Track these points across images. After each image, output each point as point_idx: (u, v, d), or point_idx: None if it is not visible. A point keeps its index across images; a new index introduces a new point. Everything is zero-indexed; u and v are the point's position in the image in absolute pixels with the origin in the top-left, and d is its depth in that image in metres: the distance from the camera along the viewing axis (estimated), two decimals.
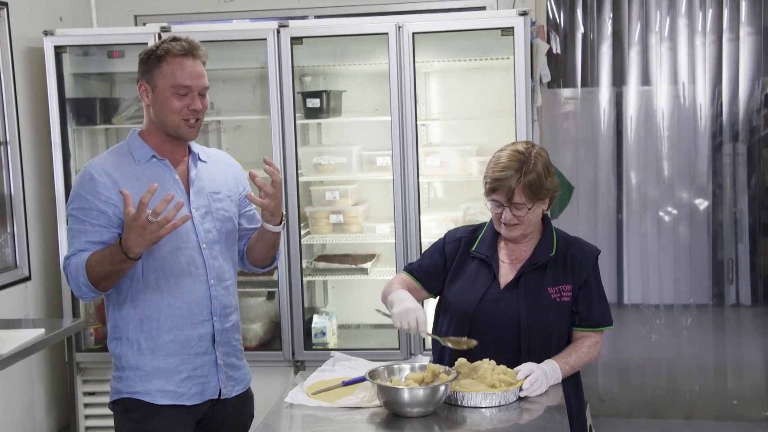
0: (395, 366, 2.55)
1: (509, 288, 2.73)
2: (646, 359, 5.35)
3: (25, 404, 4.60)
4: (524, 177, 2.65)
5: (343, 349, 4.49)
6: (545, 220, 2.83)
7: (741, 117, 5.25)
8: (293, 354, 4.61)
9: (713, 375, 5.29)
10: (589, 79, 5.40)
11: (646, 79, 5.35)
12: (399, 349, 4.51)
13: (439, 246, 2.91)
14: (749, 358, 5.28)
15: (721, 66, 5.23)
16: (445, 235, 2.94)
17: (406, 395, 2.34)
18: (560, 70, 5.41)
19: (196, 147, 2.83)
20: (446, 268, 2.85)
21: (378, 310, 2.74)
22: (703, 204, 5.34)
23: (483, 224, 2.89)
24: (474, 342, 2.60)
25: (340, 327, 4.91)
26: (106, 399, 4.58)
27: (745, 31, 5.20)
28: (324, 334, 4.66)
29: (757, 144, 5.27)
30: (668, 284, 5.38)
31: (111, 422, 4.64)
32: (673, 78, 5.30)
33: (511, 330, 2.69)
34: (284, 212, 2.80)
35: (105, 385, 4.72)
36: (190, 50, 2.67)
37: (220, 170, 2.87)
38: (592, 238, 5.35)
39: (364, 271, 4.73)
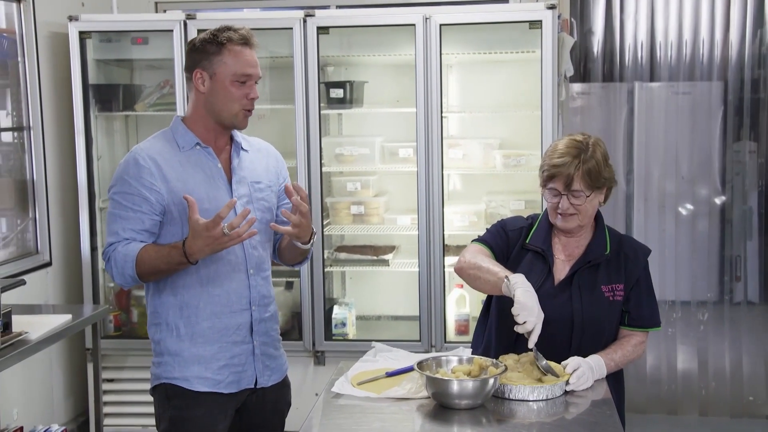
0: (443, 358, 2.54)
1: (563, 285, 2.71)
2: (663, 355, 5.37)
3: (44, 391, 4.59)
4: (583, 164, 2.63)
5: (362, 340, 4.52)
6: (598, 216, 2.81)
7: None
8: (314, 344, 4.61)
9: (729, 372, 5.30)
10: (603, 74, 5.41)
11: (659, 75, 5.36)
12: (420, 341, 4.51)
13: (502, 227, 2.85)
14: (764, 355, 5.30)
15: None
16: (505, 221, 2.88)
17: (455, 387, 2.34)
18: (574, 65, 5.42)
19: (238, 135, 2.81)
20: (509, 252, 2.81)
21: (506, 278, 2.55)
22: (716, 199, 5.36)
23: (537, 215, 2.86)
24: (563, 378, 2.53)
25: (359, 318, 4.91)
26: (126, 386, 4.71)
27: None
28: (344, 324, 4.66)
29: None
30: (684, 281, 5.39)
31: (130, 409, 4.74)
32: (689, 74, 5.31)
33: (564, 327, 2.67)
34: (313, 229, 2.80)
35: (124, 372, 4.73)
36: (249, 39, 2.68)
37: (261, 160, 2.87)
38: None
39: (386, 263, 4.74)
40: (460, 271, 2.78)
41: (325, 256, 4.66)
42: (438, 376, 2.43)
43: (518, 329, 2.48)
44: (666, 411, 5.31)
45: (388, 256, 4.76)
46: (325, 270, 4.70)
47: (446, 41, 4.45)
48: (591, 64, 5.41)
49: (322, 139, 4.60)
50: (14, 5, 4.46)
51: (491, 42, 4.66)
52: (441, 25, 4.35)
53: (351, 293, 5.14)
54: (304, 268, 4.55)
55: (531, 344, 2.47)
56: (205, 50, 2.67)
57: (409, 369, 2.58)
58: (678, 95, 5.36)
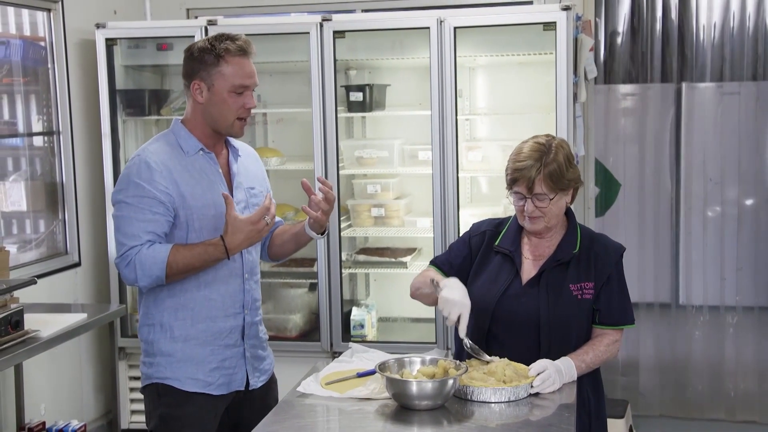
0: (406, 359, 2.55)
1: (531, 284, 2.70)
2: (696, 359, 5.29)
3: (74, 386, 4.74)
4: (545, 167, 2.62)
5: (381, 342, 4.54)
6: (570, 215, 2.79)
7: None
8: (331, 345, 4.65)
9: None
10: (648, 75, 5.33)
11: (706, 75, 5.26)
12: (436, 342, 4.52)
13: (465, 239, 2.88)
14: None
15: None
16: (471, 227, 2.91)
17: (414, 388, 2.35)
18: (617, 66, 5.36)
19: (234, 141, 2.87)
20: (471, 261, 2.83)
21: (433, 282, 2.67)
22: (762, 204, 5.23)
23: (508, 218, 2.86)
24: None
25: (380, 320, 4.94)
26: None
27: None
28: (362, 326, 4.68)
29: None
30: (737, 285, 5.29)
31: None
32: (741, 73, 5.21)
33: (531, 327, 2.66)
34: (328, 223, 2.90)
35: None
36: (246, 49, 2.71)
37: (252, 165, 2.93)
38: (642, 237, 5.30)
39: (403, 265, 4.75)
40: (412, 296, 2.90)
41: (345, 258, 4.70)
42: (398, 377, 2.44)
43: (447, 323, 2.58)
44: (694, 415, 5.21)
45: (406, 259, 4.77)
46: (348, 272, 4.74)
47: (464, 44, 4.45)
48: (628, 65, 5.34)
49: (344, 141, 4.65)
50: (44, 14, 4.63)
51: (510, 44, 4.63)
52: (455, 27, 4.35)
53: (375, 295, 5.16)
54: (323, 270, 4.60)
55: (461, 334, 2.57)
56: (203, 60, 2.70)
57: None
58: (727, 96, 5.26)
